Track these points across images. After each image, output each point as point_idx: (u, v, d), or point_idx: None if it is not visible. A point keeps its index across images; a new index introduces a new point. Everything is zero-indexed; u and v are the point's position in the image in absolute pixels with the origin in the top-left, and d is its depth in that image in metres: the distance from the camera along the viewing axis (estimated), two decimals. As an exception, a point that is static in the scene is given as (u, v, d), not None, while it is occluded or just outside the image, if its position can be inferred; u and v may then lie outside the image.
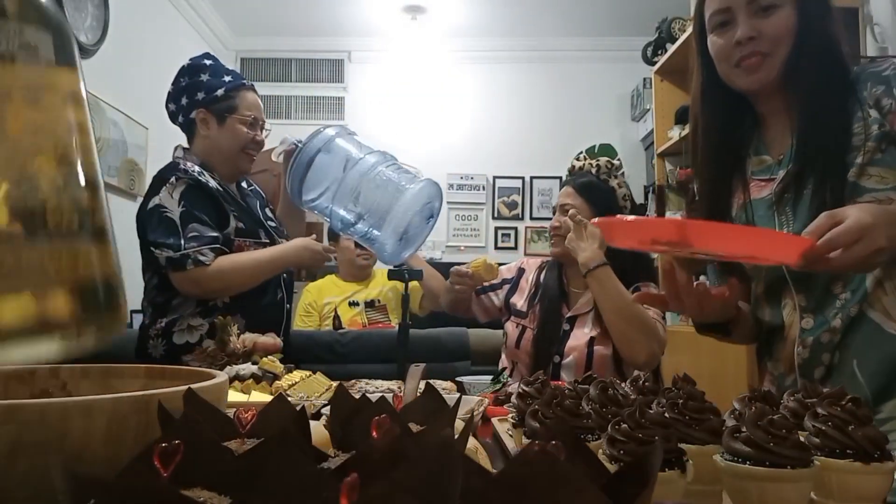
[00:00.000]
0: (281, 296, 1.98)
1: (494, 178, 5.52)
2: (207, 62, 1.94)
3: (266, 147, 2.04)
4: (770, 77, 1.13)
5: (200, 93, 1.90)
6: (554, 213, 1.91)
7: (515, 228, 5.50)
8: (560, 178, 5.47)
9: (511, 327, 1.91)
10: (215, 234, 1.79)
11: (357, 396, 1.19)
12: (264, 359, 1.46)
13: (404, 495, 0.34)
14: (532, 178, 5.49)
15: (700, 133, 1.24)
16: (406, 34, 5.24)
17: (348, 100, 5.52)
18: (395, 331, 2.06)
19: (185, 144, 1.97)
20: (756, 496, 0.60)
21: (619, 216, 1.67)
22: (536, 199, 5.50)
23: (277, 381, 1.36)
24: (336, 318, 3.08)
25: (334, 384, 1.47)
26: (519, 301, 1.94)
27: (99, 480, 0.38)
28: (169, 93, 1.96)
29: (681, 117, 3.56)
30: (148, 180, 4.33)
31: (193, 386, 0.60)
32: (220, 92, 1.89)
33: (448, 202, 5.51)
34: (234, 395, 1.23)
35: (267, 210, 2.09)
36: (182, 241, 1.74)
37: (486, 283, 1.94)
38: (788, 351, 1.15)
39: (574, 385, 0.89)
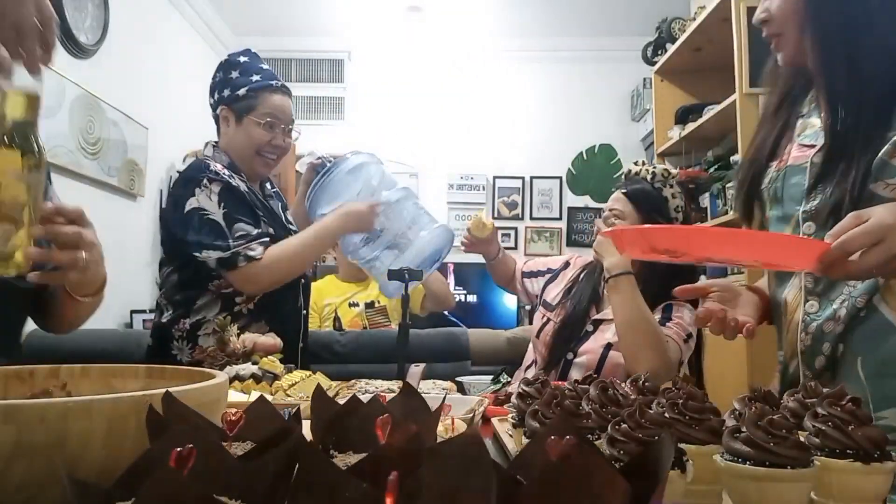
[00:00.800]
0: (300, 302, 1.96)
1: (494, 177, 5.52)
2: (242, 59, 1.91)
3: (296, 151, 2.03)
4: (790, 55, 1.09)
5: (227, 90, 1.88)
6: (603, 219, 1.86)
7: (515, 228, 5.51)
8: (560, 178, 5.47)
9: (538, 317, 1.92)
10: (260, 230, 1.79)
11: (358, 396, 1.19)
12: (264, 359, 1.46)
13: (470, 492, 0.34)
14: (532, 178, 5.49)
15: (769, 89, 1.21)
16: (406, 34, 5.24)
17: (348, 100, 5.52)
18: (394, 331, 2.06)
19: (208, 149, 1.95)
20: (756, 496, 0.60)
21: (623, 226, 1.64)
22: (536, 199, 5.50)
23: (277, 381, 1.36)
24: (336, 319, 3.08)
25: (334, 384, 1.47)
26: (552, 293, 1.93)
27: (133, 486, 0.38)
28: (209, 87, 1.95)
29: (681, 117, 3.56)
30: (148, 180, 4.34)
31: (195, 386, 0.60)
32: (242, 91, 1.86)
33: (448, 202, 5.51)
34: (234, 396, 1.23)
35: (287, 214, 2.07)
36: (230, 241, 1.72)
37: (481, 238, 2.01)
38: (792, 336, 1.10)
39: (574, 385, 0.89)
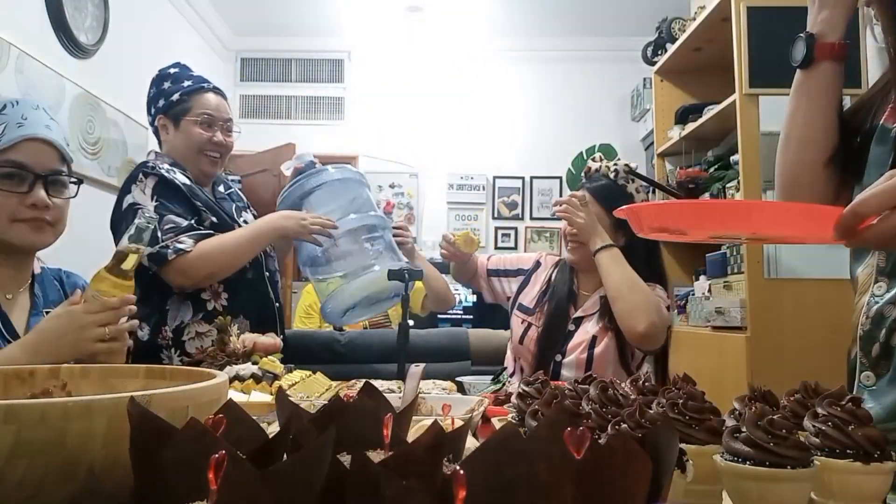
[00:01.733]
0: (271, 295, 1.96)
1: (494, 178, 5.52)
2: (172, 70, 1.97)
3: (239, 148, 2.04)
4: None
5: (161, 100, 1.92)
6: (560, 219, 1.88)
7: (515, 228, 5.51)
8: (560, 178, 5.47)
9: (516, 323, 1.91)
10: (192, 220, 1.77)
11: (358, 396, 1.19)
12: (264, 359, 1.46)
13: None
14: (532, 178, 5.49)
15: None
16: (406, 34, 5.24)
17: (348, 100, 5.52)
18: (394, 331, 2.06)
19: (150, 156, 1.97)
20: (756, 496, 0.60)
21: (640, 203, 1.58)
22: (536, 199, 5.50)
23: (277, 381, 1.36)
24: (336, 318, 3.08)
25: (334, 384, 1.47)
26: (528, 297, 1.93)
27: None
28: (145, 105, 1.99)
29: (680, 117, 3.56)
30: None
31: (195, 386, 0.60)
32: (175, 97, 1.90)
33: (448, 202, 5.51)
34: (234, 396, 1.23)
35: (246, 213, 2.05)
36: (160, 234, 1.71)
37: (468, 254, 1.99)
38: (855, 320, 1.01)
39: (574, 385, 0.89)
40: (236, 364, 1.42)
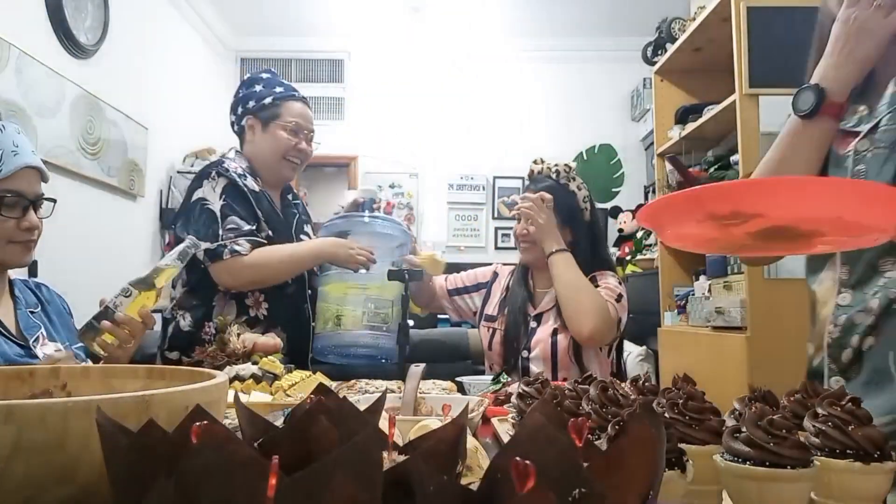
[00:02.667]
0: (308, 313, 1.98)
1: (495, 178, 5.52)
2: (265, 75, 2.02)
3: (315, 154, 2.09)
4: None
5: (251, 101, 1.98)
6: (518, 221, 1.95)
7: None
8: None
9: (484, 332, 2.00)
10: (253, 227, 1.83)
11: (357, 397, 1.19)
12: (264, 359, 1.46)
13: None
14: (532, 178, 5.49)
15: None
16: (406, 34, 5.24)
17: (348, 100, 5.52)
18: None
19: (231, 152, 2.04)
20: (756, 496, 0.60)
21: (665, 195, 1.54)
22: (536, 200, 5.51)
23: (277, 382, 1.36)
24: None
25: (335, 384, 1.47)
26: (490, 307, 2.02)
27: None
28: (230, 105, 2.04)
29: (681, 117, 3.56)
30: (148, 181, 4.36)
31: (195, 386, 0.60)
32: (267, 100, 1.96)
33: (448, 202, 5.51)
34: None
35: (306, 227, 2.10)
36: (221, 232, 1.78)
37: (436, 276, 2.05)
38: (820, 328, 1.06)
39: (574, 385, 0.89)
40: (236, 364, 1.42)
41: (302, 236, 2.04)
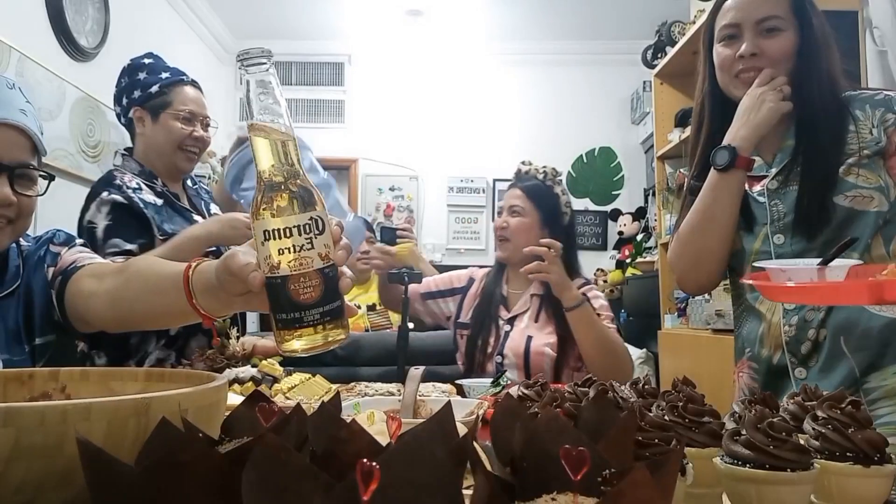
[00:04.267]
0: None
1: (494, 180, 5.52)
2: (147, 61, 1.90)
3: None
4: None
5: (136, 91, 1.86)
6: (500, 214, 1.99)
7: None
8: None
9: (459, 340, 2.01)
10: (133, 246, 1.71)
11: (357, 399, 1.19)
12: (263, 362, 1.46)
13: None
14: (532, 180, 5.49)
15: (701, 132, 1.39)
16: (406, 38, 5.24)
17: (348, 103, 5.52)
18: (394, 333, 2.06)
19: (130, 144, 1.94)
20: (756, 499, 0.60)
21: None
22: (536, 202, 5.51)
23: (277, 384, 1.36)
24: (337, 320, 3.07)
25: (333, 387, 1.47)
26: (464, 313, 2.02)
27: None
28: (113, 95, 1.93)
29: (680, 120, 3.56)
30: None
31: (194, 389, 0.60)
32: (154, 88, 1.84)
33: (448, 205, 5.52)
34: (233, 398, 1.23)
35: (213, 207, 2.04)
36: (100, 252, 1.59)
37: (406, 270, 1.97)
38: (774, 332, 1.28)
39: (574, 387, 0.89)
40: (235, 367, 1.42)
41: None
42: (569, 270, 1.89)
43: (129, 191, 1.77)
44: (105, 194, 1.74)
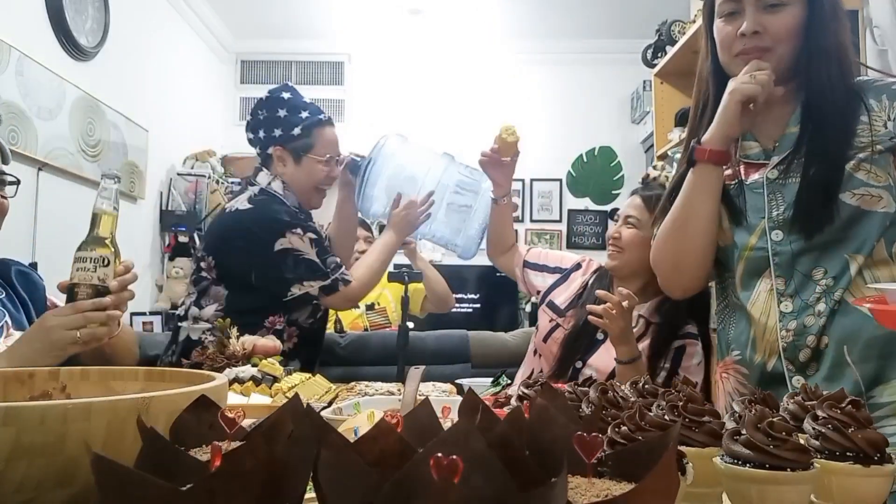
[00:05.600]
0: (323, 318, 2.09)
1: (494, 180, 5.52)
2: (286, 95, 1.96)
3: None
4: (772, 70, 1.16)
5: (278, 129, 1.92)
6: (615, 221, 1.82)
7: (516, 231, 5.50)
8: (560, 180, 5.47)
9: (544, 320, 1.86)
10: (338, 258, 1.93)
11: (356, 399, 1.19)
12: (264, 361, 1.45)
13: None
14: (532, 180, 5.49)
15: (703, 116, 1.28)
16: (406, 37, 5.24)
17: (348, 102, 5.52)
18: (394, 333, 2.06)
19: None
20: (756, 499, 0.60)
21: None
22: (536, 202, 5.50)
23: (277, 384, 1.36)
24: (337, 321, 3.08)
25: (334, 386, 1.47)
26: (560, 297, 1.87)
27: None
28: (248, 121, 2.00)
29: (680, 120, 3.56)
30: (148, 182, 4.35)
31: (195, 388, 0.60)
32: (296, 130, 1.92)
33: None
34: (233, 398, 1.23)
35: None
36: (328, 271, 1.86)
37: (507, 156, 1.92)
38: (769, 337, 1.18)
39: (574, 387, 0.89)
40: (236, 366, 1.42)
41: None
42: (685, 314, 1.71)
43: (306, 220, 1.93)
44: (299, 228, 1.86)
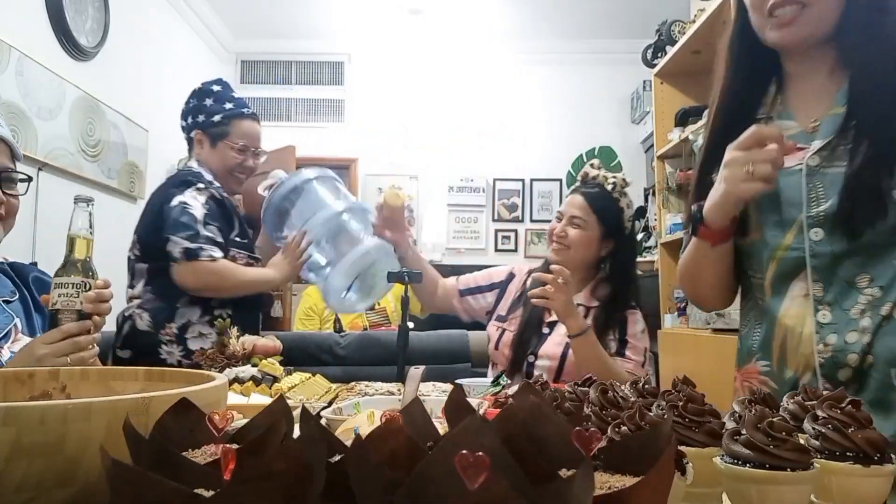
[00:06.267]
0: (259, 320, 2.17)
1: (495, 180, 5.52)
2: (215, 88, 2.09)
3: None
4: (804, 32, 1.02)
5: (201, 116, 2.06)
6: (559, 220, 1.88)
7: (515, 231, 5.51)
8: (560, 180, 5.47)
9: (492, 330, 1.95)
10: (223, 241, 1.94)
11: (356, 399, 1.19)
12: (264, 361, 1.46)
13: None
14: (532, 180, 5.49)
15: (722, 85, 1.13)
16: (406, 37, 5.24)
17: (348, 102, 5.52)
18: (394, 333, 2.06)
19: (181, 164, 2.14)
20: (756, 499, 0.60)
21: None
22: (536, 202, 5.50)
23: (277, 384, 1.36)
24: (337, 321, 3.08)
25: (334, 387, 1.47)
26: (503, 307, 1.97)
27: None
28: (182, 110, 2.12)
29: (680, 120, 3.56)
30: (148, 182, 4.35)
31: (195, 388, 0.60)
32: (216, 118, 2.04)
33: (448, 204, 5.51)
34: (233, 398, 1.23)
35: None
36: (201, 232, 1.87)
37: (397, 214, 1.94)
38: (804, 350, 1.03)
39: (574, 387, 0.89)
40: (236, 366, 1.42)
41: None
42: (623, 295, 1.85)
43: (213, 188, 1.97)
44: (200, 184, 1.95)
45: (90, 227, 1.19)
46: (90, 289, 1.16)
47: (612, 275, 1.86)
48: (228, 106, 2.06)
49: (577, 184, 1.93)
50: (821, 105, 1.04)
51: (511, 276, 2.03)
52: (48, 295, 1.16)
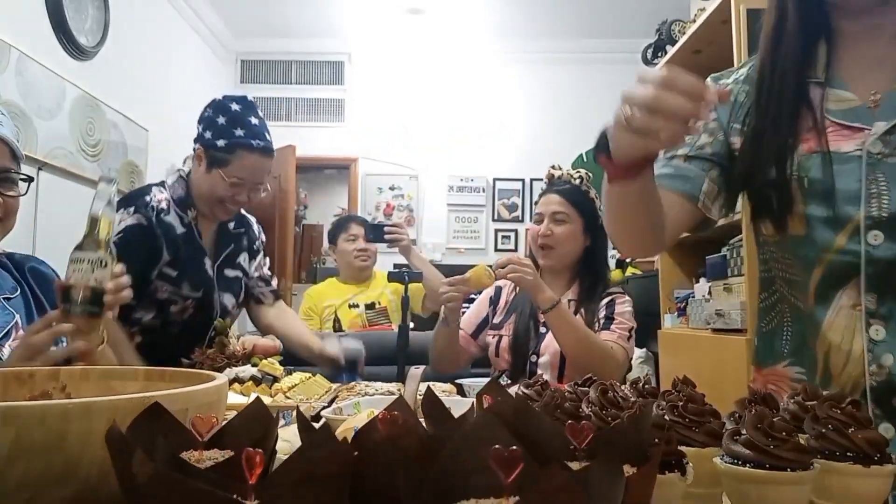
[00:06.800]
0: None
1: (494, 179, 5.53)
2: (234, 107, 1.88)
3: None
4: None
5: (208, 132, 1.87)
6: (539, 222, 1.91)
7: (515, 230, 5.51)
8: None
9: (490, 339, 1.95)
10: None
11: (356, 399, 1.19)
12: (264, 361, 1.46)
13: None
14: (532, 180, 5.49)
15: (767, 49, 0.93)
16: (406, 36, 5.25)
17: (348, 101, 5.53)
18: (394, 333, 2.06)
19: (186, 166, 1.96)
20: (756, 499, 0.60)
21: None
22: (536, 202, 5.51)
23: (277, 384, 1.36)
24: (336, 320, 3.08)
25: (334, 386, 1.47)
26: (496, 316, 1.98)
27: None
28: (199, 115, 1.96)
29: (681, 120, 3.56)
30: (148, 182, 4.35)
31: (195, 388, 0.60)
32: (220, 143, 1.84)
33: (448, 204, 5.52)
34: (233, 398, 1.23)
35: (241, 258, 2.01)
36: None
37: (476, 292, 1.94)
38: (852, 370, 0.89)
39: (574, 387, 0.89)
40: (236, 366, 1.42)
41: (227, 270, 1.95)
42: (598, 277, 1.91)
43: (153, 212, 1.78)
44: (132, 208, 1.77)
45: (113, 206, 1.14)
46: (106, 266, 1.10)
47: (592, 266, 1.92)
48: (239, 133, 1.85)
49: (546, 186, 1.98)
50: (883, 76, 0.87)
51: (498, 290, 2.03)
52: (61, 280, 1.11)
